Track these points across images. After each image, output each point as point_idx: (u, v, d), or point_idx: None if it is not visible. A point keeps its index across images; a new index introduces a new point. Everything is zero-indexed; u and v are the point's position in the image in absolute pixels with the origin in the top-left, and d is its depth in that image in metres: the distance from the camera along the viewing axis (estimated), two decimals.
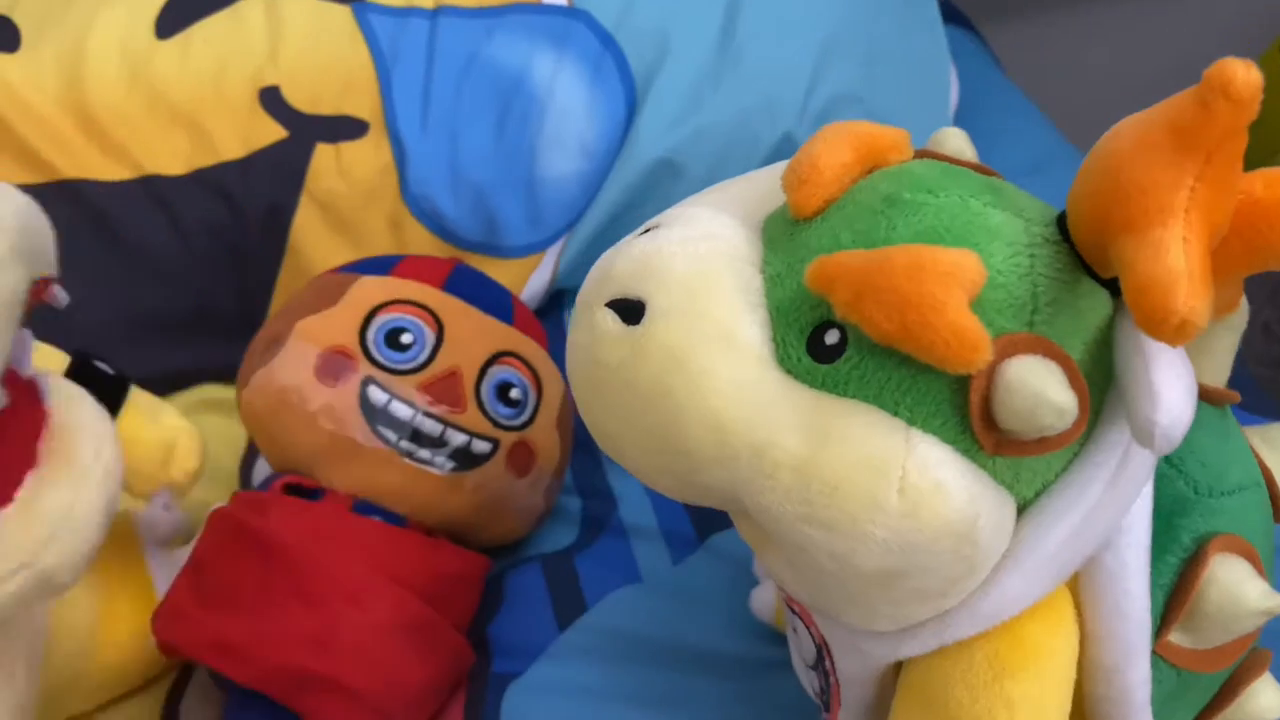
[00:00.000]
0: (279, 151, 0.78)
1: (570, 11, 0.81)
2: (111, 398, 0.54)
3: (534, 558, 0.67)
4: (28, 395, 0.44)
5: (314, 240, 0.79)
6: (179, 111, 0.78)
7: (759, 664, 0.59)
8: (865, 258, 0.33)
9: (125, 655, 0.56)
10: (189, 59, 0.79)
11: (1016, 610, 0.36)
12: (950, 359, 0.32)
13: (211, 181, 0.77)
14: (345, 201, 0.79)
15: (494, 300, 0.67)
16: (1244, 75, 0.29)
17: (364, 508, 0.59)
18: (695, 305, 0.35)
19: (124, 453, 0.47)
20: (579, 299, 0.39)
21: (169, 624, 0.55)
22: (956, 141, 0.40)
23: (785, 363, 0.35)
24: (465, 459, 0.60)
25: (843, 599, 0.36)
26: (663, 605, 0.63)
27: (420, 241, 0.80)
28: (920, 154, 0.39)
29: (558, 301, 0.84)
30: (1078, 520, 0.35)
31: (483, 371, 0.61)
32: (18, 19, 0.80)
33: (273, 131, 0.79)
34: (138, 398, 0.57)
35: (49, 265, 0.43)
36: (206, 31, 0.80)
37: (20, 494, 0.41)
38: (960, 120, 0.89)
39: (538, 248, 0.82)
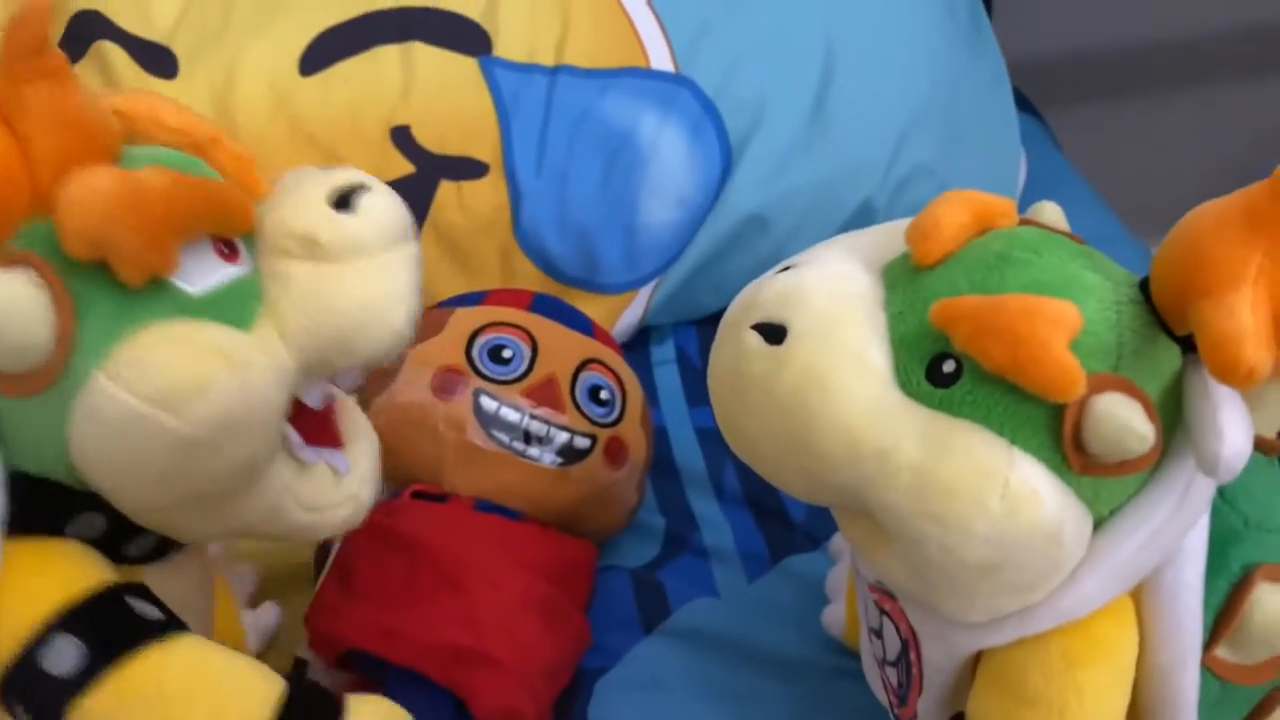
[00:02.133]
0: (406, 185, 0.85)
1: (676, 78, 0.89)
2: None
3: (621, 568, 0.73)
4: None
5: (432, 266, 0.86)
6: (317, 142, 0.85)
7: (830, 670, 0.65)
8: (984, 301, 0.40)
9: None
10: (329, 95, 0.86)
11: (1089, 610, 0.43)
12: (1052, 390, 0.39)
13: None
14: (462, 233, 0.86)
15: (574, 319, 0.75)
16: None
17: (485, 507, 0.66)
18: (831, 331, 0.42)
19: None
20: (724, 321, 0.46)
21: (325, 618, 0.61)
22: (1052, 214, 0.47)
23: (905, 386, 0.42)
24: (569, 454, 0.67)
25: (946, 588, 0.42)
26: (739, 615, 0.69)
27: (526, 274, 0.87)
28: (1023, 221, 0.46)
29: (645, 337, 0.91)
30: (1146, 536, 0.42)
31: (575, 377, 0.69)
32: (176, 49, 0.88)
33: (401, 166, 0.86)
34: None
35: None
36: (346, 71, 0.87)
37: (345, 442, 0.51)
38: (1025, 202, 0.96)
39: (632, 286, 0.89)
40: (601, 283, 0.88)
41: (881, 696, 0.56)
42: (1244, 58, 1.38)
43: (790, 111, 0.88)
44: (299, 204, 0.47)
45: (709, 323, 0.91)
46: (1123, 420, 0.39)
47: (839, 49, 0.89)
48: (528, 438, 0.66)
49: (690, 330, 0.91)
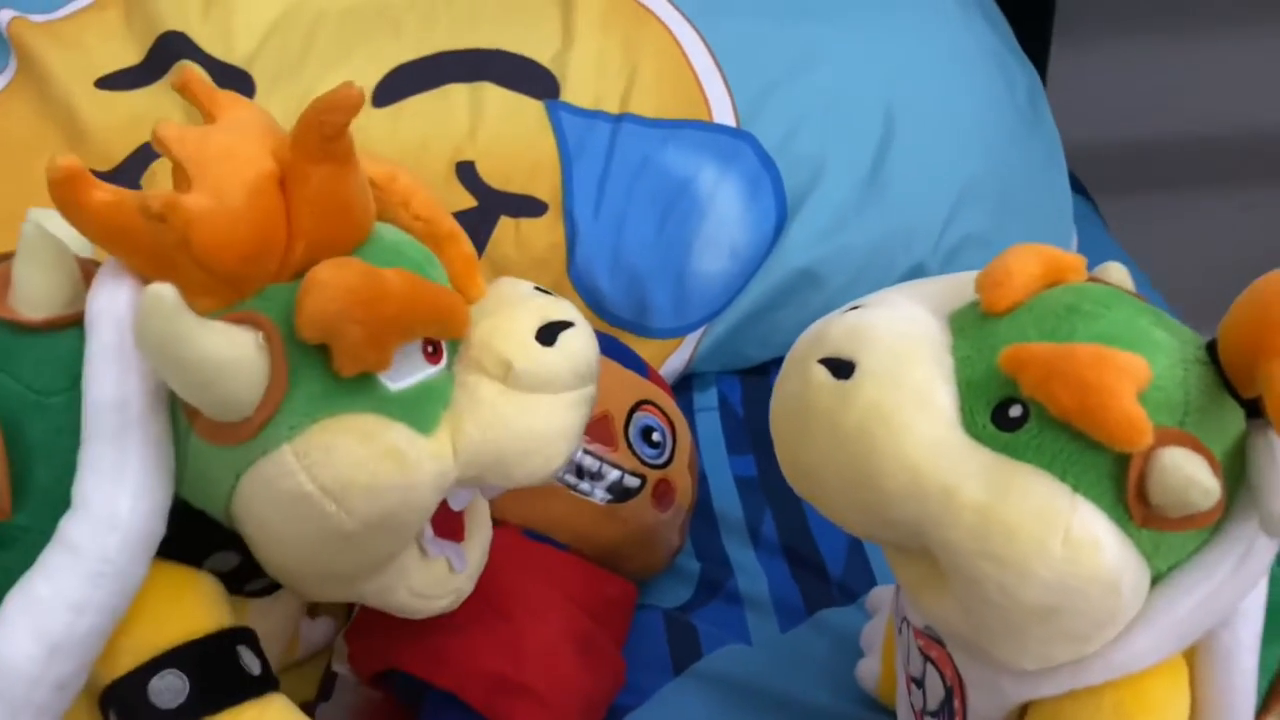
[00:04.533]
0: (467, 218, 0.86)
1: (738, 133, 0.90)
2: None
3: (655, 608, 0.73)
4: None
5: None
6: None
7: None
8: (1054, 348, 0.41)
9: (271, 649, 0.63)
10: (399, 127, 0.88)
11: (1142, 665, 0.43)
12: (1119, 438, 0.39)
13: None
14: (516, 268, 0.87)
15: (631, 359, 0.76)
16: None
17: (533, 536, 0.66)
18: (899, 370, 0.43)
19: None
20: (791, 355, 0.47)
21: (368, 634, 0.61)
22: (1118, 275, 0.48)
23: (970, 428, 0.43)
24: (619, 492, 0.68)
25: (1002, 631, 0.42)
26: (771, 664, 0.69)
27: None
28: (1091, 279, 0.47)
29: (689, 383, 0.92)
30: (1204, 595, 0.42)
31: (629, 416, 0.70)
32: (255, 74, 0.91)
33: (464, 200, 0.88)
34: None
35: None
36: (416, 106, 0.89)
37: (465, 537, 0.53)
38: None
39: (679, 333, 0.89)
40: (650, 327, 0.89)
41: None
42: None
43: (848, 172, 0.89)
44: (508, 328, 0.49)
45: (753, 374, 0.93)
46: (1188, 473, 0.39)
47: (899, 115, 0.91)
48: (580, 472, 0.67)
49: (734, 380, 0.92)
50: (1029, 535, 0.40)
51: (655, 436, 0.70)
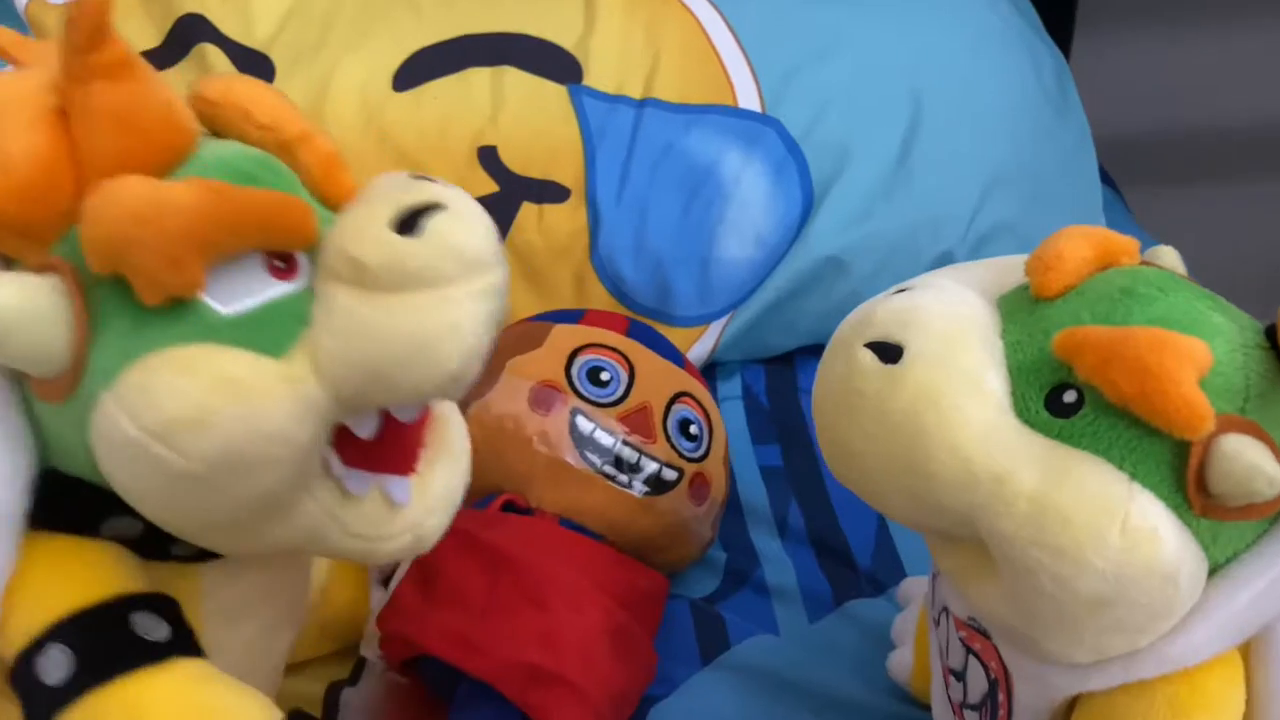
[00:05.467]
0: (489, 203, 0.82)
1: (763, 118, 0.89)
2: None
3: (683, 598, 0.72)
4: None
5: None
6: (405, 156, 0.86)
7: (892, 716, 0.63)
8: (1111, 332, 0.40)
9: (341, 617, 0.62)
10: (420, 111, 0.87)
11: (1199, 659, 0.42)
12: (1179, 425, 0.38)
13: None
14: (539, 255, 0.86)
15: (667, 350, 0.75)
16: None
17: (568, 525, 0.65)
18: (949, 353, 0.42)
19: None
20: (836, 338, 0.46)
21: (401, 619, 0.60)
22: (1171, 258, 0.47)
23: (1023, 414, 0.42)
24: (656, 484, 0.67)
25: (1055, 622, 0.41)
26: (799, 654, 0.68)
27: (598, 299, 0.87)
28: (1143, 263, 0.46)
29: (712, 372, 0.91)
30: (1263, 586, 0.41)
31: (668, 408, 0.69)
32: (274, 57, 0.90)
33: (486, 185, 0.87)
34: None
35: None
36: (437, 90, 0.88)
37: (419, 467, 0.46)
38: None
39: (703, 320, 0.88)
40: (673, 314, 0.88)
41: None
42: None
43: (875, 159, 0.88)
44: (357, 224, 0.42)
45: (778, 362, 0.92)
46: (1251, 460, 0.38)
47: (926, 101, 0.90)
48: (619, 463, 0.66)
49: (758, 369, 0.91)
50: (1085, 524, 0.39)
51: (693, 429, 0.70)
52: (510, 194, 0.87)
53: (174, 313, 0.41)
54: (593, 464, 0.66)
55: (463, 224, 0.42)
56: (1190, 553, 0.40)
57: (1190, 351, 0.39)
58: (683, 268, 0.87)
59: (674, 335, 0.88)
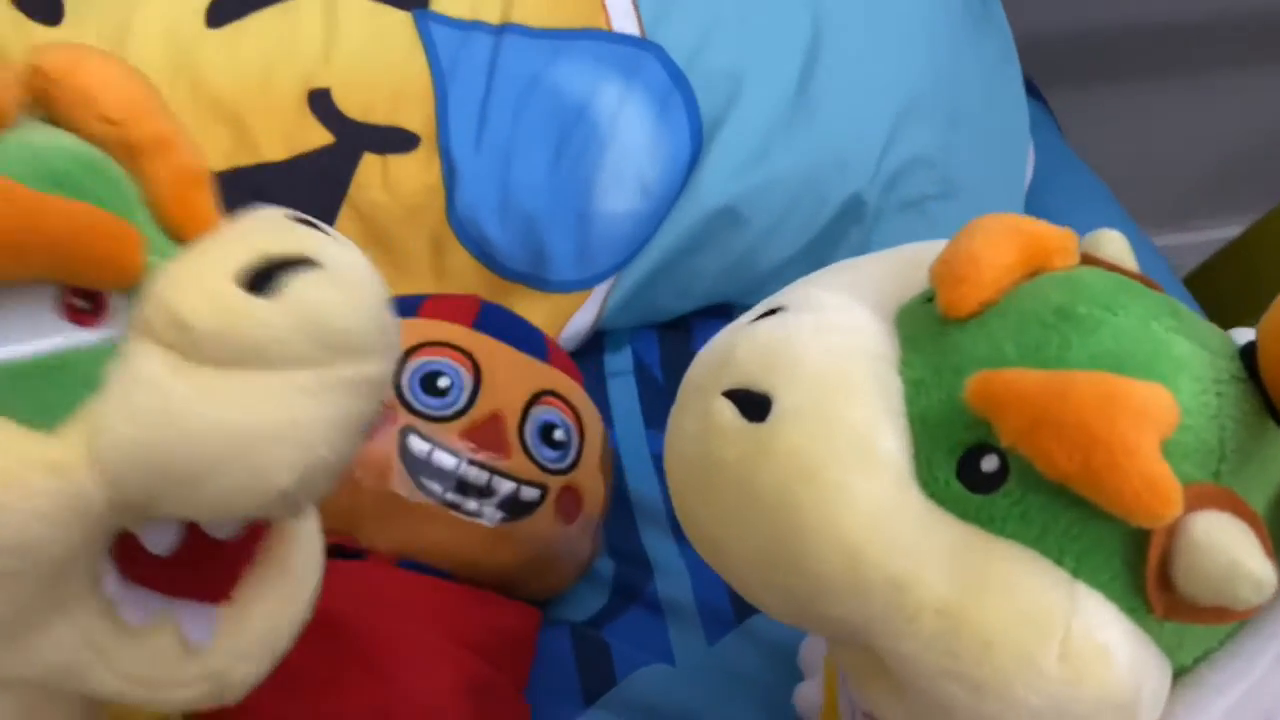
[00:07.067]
0: (324, 157, 0.75)
1: (642, 43, 0.78)
2: None
3: (562, 623, 0.62)
4: None
5: None
6: (222, 106, 0.74)
7: None
8: (1043, 381, 0.29)
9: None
10: (238, 52, 0.75)
11: None
12: (1137, 510, 0.28)
13: (250, 182, 0.73)
14: (387, 215, 0.75)
15: (527, 337, 0.63)
16: None
17: (410, 565, 0.55)
18: (829, 408, 0.31)
19: None
20: (688, 381, 0.35)
21: (221, 715, 0.50)
22: (1116, 247, 0.36)
23: (929, 485, 0.31)
24: (514, 508, 0.56)
25: None
26: (695, 687, 0.59)
27: (461, 266, 0.76)
28: (1084, 259, 0.35)
29: (599, 343, 0.80)
30: (1240, 695, 0.31)
31: (525, 413, 0.58)
32: None
33: (319, 136, 0.75)
34: None
35: None
36: (259, 24, 0.76)
37: (237, 594, 0.36)
38: (1032, 196, 0.86)
39: (584, 285, 0.78)
40: (549, 279, 0.77)
41: None
42: (1253, 45, 1.30)
43: (770, 89, 0.77)
44: (195, 270, 0.32)
45: (673, 329, 0.81)
46: (1231, 556, 0.28)
47: (827, 21, 0.79)
48: (464, 488, 0.55)
49: (651, 336, 0.80)
50: (1013, 648, 0.29)
51: (558, 435, 0.59)
52: (348, 145, 0.75)
53: None
54: (432, 493, 0.54)
55: (338, 291, 0.32)
56: (1151, 668, 0.30)
57: (1148, 407, 0.28)
58: (557, 224, 0.76)
59: (552, 303, 0.78)
